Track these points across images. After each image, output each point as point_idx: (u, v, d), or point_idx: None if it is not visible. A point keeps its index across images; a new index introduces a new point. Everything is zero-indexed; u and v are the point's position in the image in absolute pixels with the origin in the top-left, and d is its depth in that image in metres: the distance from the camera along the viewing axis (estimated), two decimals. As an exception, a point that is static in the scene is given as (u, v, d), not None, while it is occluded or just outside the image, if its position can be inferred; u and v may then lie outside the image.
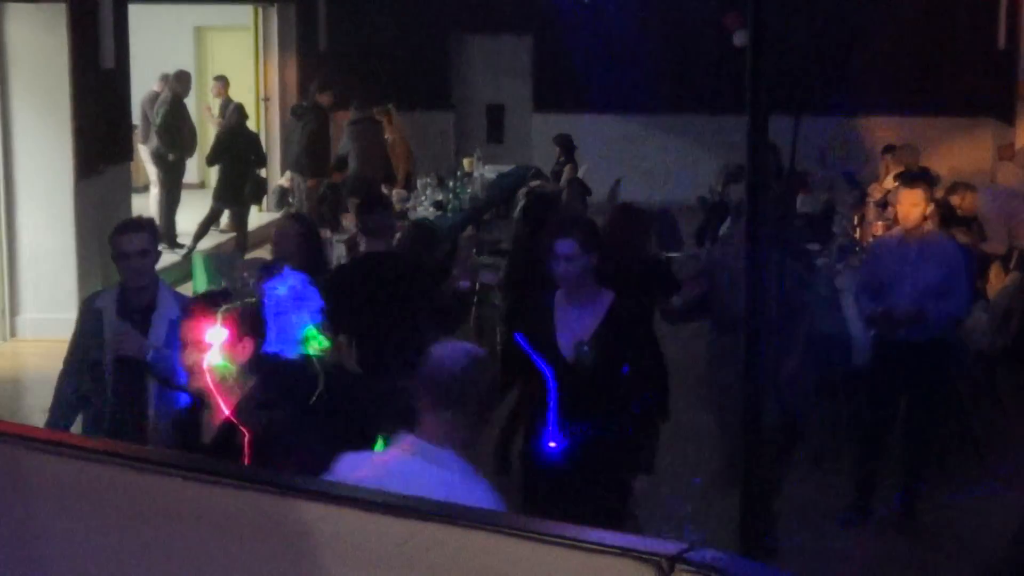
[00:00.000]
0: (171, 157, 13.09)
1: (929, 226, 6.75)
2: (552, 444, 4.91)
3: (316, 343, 4.16)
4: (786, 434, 6.20)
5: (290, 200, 14.13)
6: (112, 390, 5.18)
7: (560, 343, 4.98)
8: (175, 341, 5.04)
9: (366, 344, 6.15)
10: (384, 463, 3.38)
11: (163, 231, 13.07)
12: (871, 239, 9.43)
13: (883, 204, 10.55)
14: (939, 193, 10.09)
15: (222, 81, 14.51)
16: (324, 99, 13.72)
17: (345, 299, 5.73)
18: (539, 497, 5.00)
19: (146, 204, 13.69)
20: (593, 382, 4.93)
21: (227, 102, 13.88)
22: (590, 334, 4.94)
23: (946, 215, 9.13)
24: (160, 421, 5.10)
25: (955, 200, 9.92)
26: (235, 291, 3.91)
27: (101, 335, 5.18)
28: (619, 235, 6.64)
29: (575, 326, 4.99)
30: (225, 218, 13.62)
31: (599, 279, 5.09)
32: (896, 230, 7.06)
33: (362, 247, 6.95)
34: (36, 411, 8.07)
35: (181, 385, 5.35)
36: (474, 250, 10.53)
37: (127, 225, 5.42)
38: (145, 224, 5.43)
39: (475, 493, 3.14)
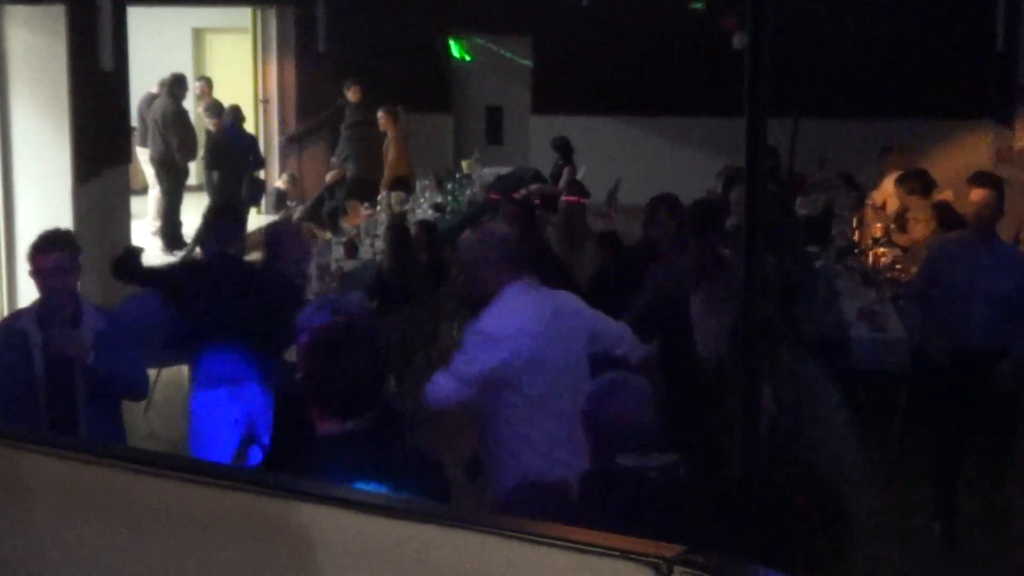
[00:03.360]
0: (179, 162, 13.13)
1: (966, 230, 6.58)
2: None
3: None
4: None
5: (288, 203, 14.14)
6: (47, 406, 5.08)
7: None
8: (102, 352, 5.06)
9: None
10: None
11: (165, 233, 13.12)
12: (870, 241, 9.45)
13: (882, 207, 10.55)
14: (943, 195, 10.09)
15: (205, 82, 14.50)
16: (353, 95, 13.91)
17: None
18: None
19: (145, 206, 13.71)
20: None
21: (212, 103, 13.89)
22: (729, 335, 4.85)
23: (944, 216, 9.13)
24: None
25: (974, 192, 9.88)
26: None
27: (28, 353, 5.08)
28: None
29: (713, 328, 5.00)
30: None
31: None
32: (961, 233, 6.82)
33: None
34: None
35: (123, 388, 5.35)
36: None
37: (44, 242, 5.25)
38: (63, 241, 5.28)
39: None
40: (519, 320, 4.54)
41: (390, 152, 13.34)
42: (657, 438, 3.72)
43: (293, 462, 3.56)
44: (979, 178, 6.65)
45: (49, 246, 5.21)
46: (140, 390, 5.58)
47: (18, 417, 5.06)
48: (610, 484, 3.64)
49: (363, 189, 12.63)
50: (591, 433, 3.74)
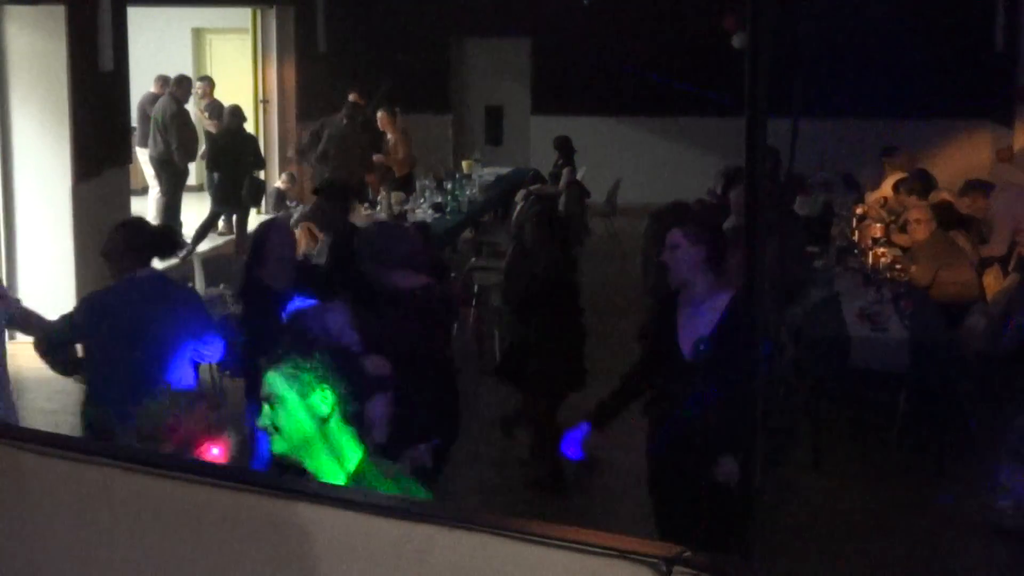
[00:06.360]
0: (178, 163, 13.09)
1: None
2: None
3: None
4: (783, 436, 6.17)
5: (288, 202, 14.14)
6: None
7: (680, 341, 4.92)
8: None
9: None
10: None
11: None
12: (870, 241, 9.45)
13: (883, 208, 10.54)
14: (943, 196, 10.08)
15: (207, 82, 14.48)
16: (355, 98, 13.87)
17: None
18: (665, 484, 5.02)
19: (145, 207, 13.71)
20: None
21: (213, 103, 13.86)
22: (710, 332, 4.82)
23: (944, 216, 9.14)
24: None
25: (966, 200, 9.91)
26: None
27: None
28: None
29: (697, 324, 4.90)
30: (223, 221, 13.64)
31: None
32: None
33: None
34: (35, 412, 8.06)
35: None
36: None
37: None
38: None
39: None
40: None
41: (398, 151, 13.37)
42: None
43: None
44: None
45: None
46: None
47: None
48: None
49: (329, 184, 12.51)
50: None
